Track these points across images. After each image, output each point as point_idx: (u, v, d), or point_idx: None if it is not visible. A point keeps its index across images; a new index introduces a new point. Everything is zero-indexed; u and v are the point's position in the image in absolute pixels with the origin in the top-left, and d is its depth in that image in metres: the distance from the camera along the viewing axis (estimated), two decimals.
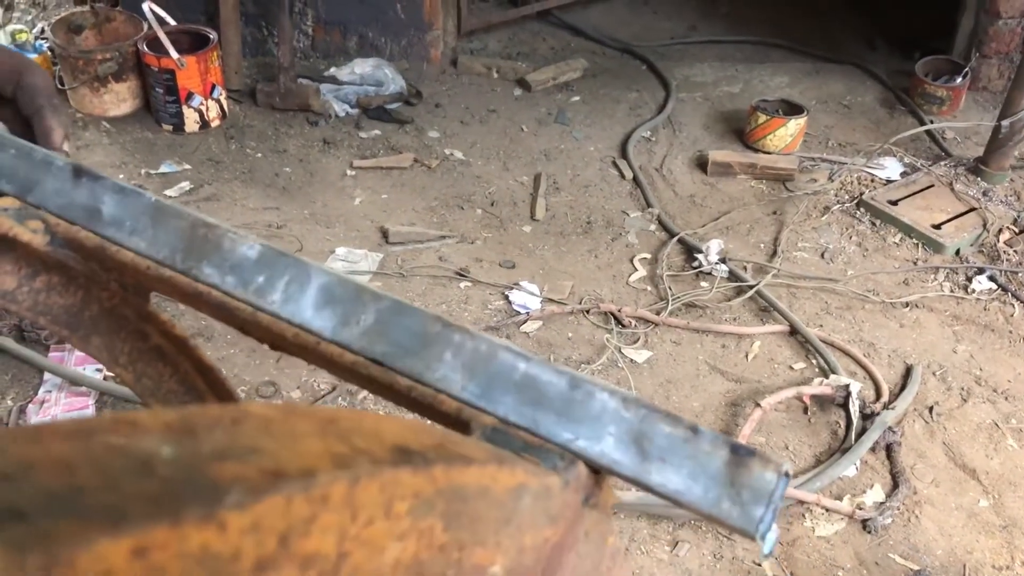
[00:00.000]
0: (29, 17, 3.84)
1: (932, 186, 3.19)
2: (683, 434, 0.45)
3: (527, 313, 2.58)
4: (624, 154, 3.38)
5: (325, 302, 0.52)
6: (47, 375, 2.25)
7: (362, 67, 3.55)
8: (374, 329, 0.51)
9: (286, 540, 0.25)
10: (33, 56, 3.34)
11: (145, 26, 3.24)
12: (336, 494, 0.26)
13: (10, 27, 3.50)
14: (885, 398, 2.36)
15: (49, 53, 3.39)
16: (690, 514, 0.41)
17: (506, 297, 2.65)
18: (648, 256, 2.87)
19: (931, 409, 2.37)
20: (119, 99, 3.29)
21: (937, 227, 2.98)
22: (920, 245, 2.96)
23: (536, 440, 0.45)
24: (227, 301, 0.53)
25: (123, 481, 0.23)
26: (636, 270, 2.81)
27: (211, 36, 3.27)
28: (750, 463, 0.43)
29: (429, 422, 0.44)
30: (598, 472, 0.45)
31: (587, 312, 2.61)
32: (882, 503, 2.11)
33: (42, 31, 3.55)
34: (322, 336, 0.51)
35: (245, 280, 0.54)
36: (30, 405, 2.18)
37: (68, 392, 2.20)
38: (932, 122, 3.57)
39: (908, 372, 2.48)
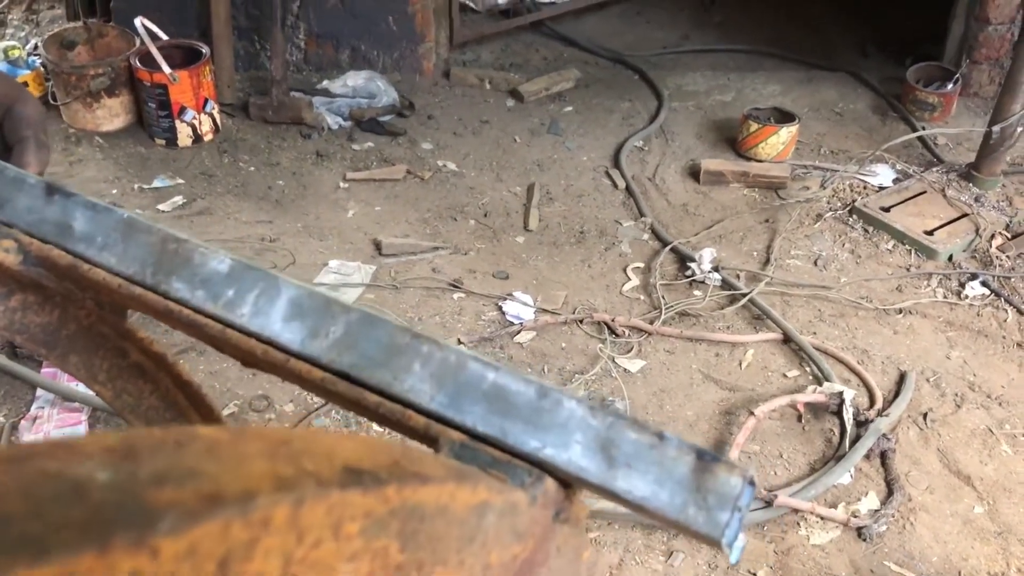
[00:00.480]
0: (22, 33, 3.85)
1: (924, 192, 3.19)
2: (649, 440, 0.45)
3: (521, 324, 2.58)
4: (617, 164, 3.38)
5: (294, 314, 0.52)
6: (40, 391, 2.25)
7: (355, 80, 3.55)
8: (343, 341, 0.51)
9: (225, 565, 0.25)
10: (26, 72, 3.35)
11: (137, 41, 3.25)
12: (278, 517, 0.26)
13: (3, 43, 3.51)
14: (879, 405, 2.36)
15: (42, 69, 3.40)
16: (655, 521, 0.41)
17: (500, 308, 2.65)
18: (641, 265, 2.87)
19: (925, 416, 2.37)
20: (112, 114, 3.30)
21: (930, 233, 2.99)
22: (913, 251, 2.96)
23: (504, 456, 0.45)
24: (197, 318, 0.53)
25: (52, 508, 0.23)
26: (629, 279, 2.81)
27: (203, 50, 3.28)
28: (715, 469, 0.43)
29: (392, 438, 0.44)
30: (569, 486, 0.45)
31: (580, 322, 2.60)
32: (877, 511, 2.10)
33: (35, 47, 3.56)
34: (290, 349, 0.51)
35: (215, 294, 0.54)
36: (23, 421, 2.17)
37: (61, 408, 2.20)
38: (924, 128, 3.57)
39: (902, 379, 2.48)
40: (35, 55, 3.47)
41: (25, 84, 3.33)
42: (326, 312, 0.52)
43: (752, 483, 0.43)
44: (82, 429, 2.16)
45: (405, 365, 0.49)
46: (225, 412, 2.23)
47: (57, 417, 2.18)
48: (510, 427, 0.46)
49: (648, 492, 0.43)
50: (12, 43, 3.49)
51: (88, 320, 0.69)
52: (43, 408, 2.21)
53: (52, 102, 3.32)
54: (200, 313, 0.54)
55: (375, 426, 1.89)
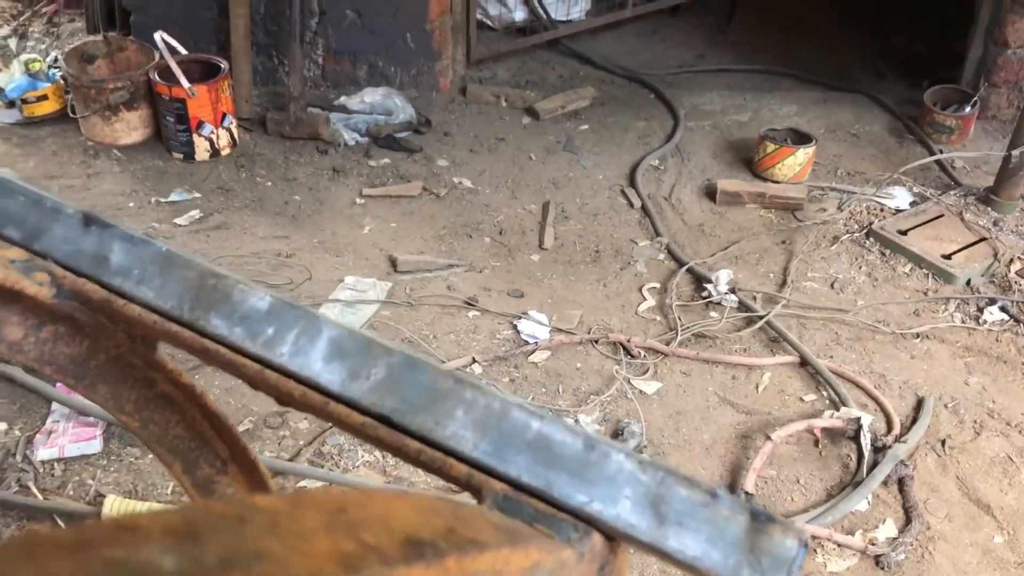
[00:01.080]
0: (43, 46, 3.87)
1: (942, 216, 3.17)
2: (701, 498, 0.44)
3: (536, 343, 2.57)
4: (633, 182, 3.37)
5: (334, 355, 0.51)
6: (55, 405, 2.25)
7: (372, 96, 3.56)
8: (384, 384, 0.50)
9: None
10: (46, 85, 3.37)
11: (157, 55, 3.26)
12: None
13: (24, 56, 3.53)
14: (897, 431, 2.34)
15: (62, 82, 3.42)
16: None
17: (515, 326, 2.64)
18: (657, 286, 2.86)
19: (943, 442, 2.35)
20: (130, 128, 3.31)
21: (947, 257, 2.97)
22: (930, 275, 2.94)
23: (549, 509, 0.44)
24: (235, 356, 0.53)
25: None
26: (645, 300, 2.80)
27: (222, 65, 3.29)
28: (770, 530, 0.42)
29: (438, 494, 0.43)
30: (613, 539, 0.44)
31: (596, 342, 2.59)
32: (895, 538, 2.08)
33: (55, 60, 3.58)
34: (330, 391, 0.51)
35: (254, 331, 0.53)
36: (38, 435, 2.17)
37: (76, 422, 2.20)
38: (941, 151, 3.56)
39: (920, 404, 2.46)
40: (55, 68, 3.49)
41: (45, 97, 3.35)
42: (367, 353, 0.51)
43: (807, 545, 0.42)
44: (96, 444, 2.16)
45: (448, 411, 0.48)
46: (240, 428, 2.22)
47: (72, 431, 2.18)
48: (555, 479, 0.45)
49: (700, 552, 0.42)
50: (33, 56, 3.51)
51: (117, 351, 0.69)
52: (58, 422, 2.21)
53: (71, 115, 3.33)
54: (238, 351, 0.53)
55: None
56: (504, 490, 0.46)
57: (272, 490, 0.85)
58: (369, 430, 0.49)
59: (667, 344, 2.58)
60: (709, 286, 2.80)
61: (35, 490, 2.04)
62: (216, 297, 0.55)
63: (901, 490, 2.20)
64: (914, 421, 2.39)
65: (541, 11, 4.21)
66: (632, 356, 2.54)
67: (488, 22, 4.26)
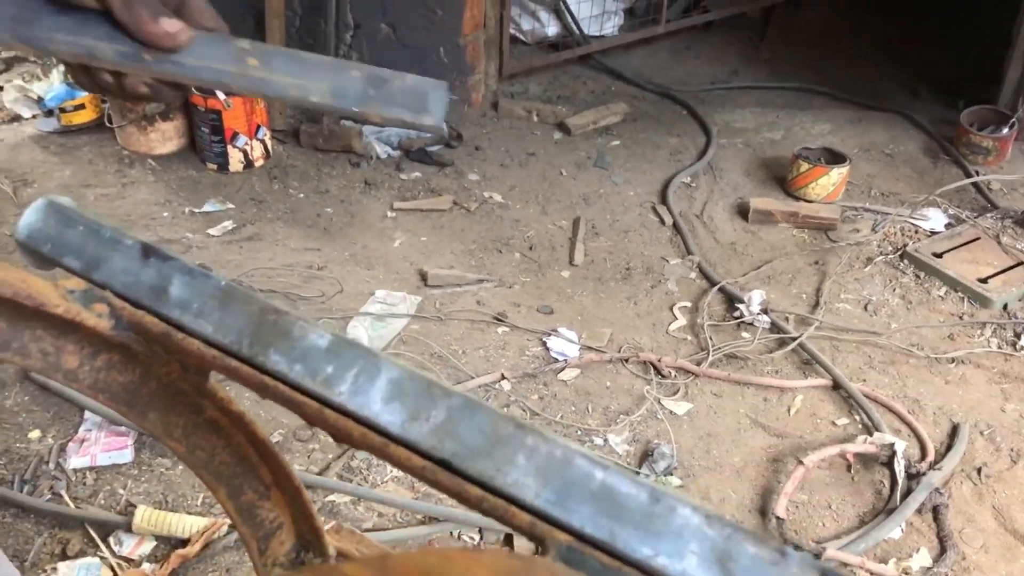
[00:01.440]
0: None
1: (978, 239, 3.14)
2: (770, 556, 0.43)
3: (565, 360, 2.56)
4: (664, 199, 3.36)
5: (394, 395, 0.51)
6: (87, 413, 2.26)
7: None
8: (444, 427, 0.50)
9: None
10: (84, 95, 3.40)
11: None
12: None
13: (63, 65, 3.57)
14: (931, 457, 2.31)
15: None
16: None
17: (544, 343, 2.63)
18: (688, 304, 2.85)
19: (979, 470, 2.31)
20: (165, 138, 3.34)
21: (983, 281, 2.93)
22: (966, 299, 2.90)
23: (614, 563, 0.44)
24: (294, 394, 0.52)
25: None
26: (676, 319, 2.78)
27: None
28: None
29: (508, 552, 0.42)
30: None
31: (626, 361, 2.58)
32: (929, 568, 2.05)
33: None
34: (389, 432, 0.50)
35: (313, 369, 0.53)
36: (70, 443, 2.19)
37: (108, 431, 2.21)
38: (978, 173, 3.52)
39: (955, 431, 2.42)
40: None
41: (82, 106, 3.39)
42: (427, 395, 0.51)
43: None
44: (128, 453, 2.17)
45: (509, 457, 0.48)
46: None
47: (104, 440, 2.19)
48: (620, 531, 0.44)
49: None
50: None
51: (168, 378, 0.69)
52: (90, 431, 2.22)
53: (108, 124, 3.37)
54: (297, 389, 0.53)
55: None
56: (568, 541, 0.45)
57: (314, 516, 0.85)
58: (429, 474, 0.48)
59: (698, 364, 2.56)
60: (741, 306, 2.78)
61: (67, 498, 2.06)
62: (276, 333, 0.54)
63: (936, 519, 2.17)
64: (949, 448, 2.36)
65: (574, 26, 4.22)
66: (662, 376, 2.53)
67: (521, 36, 4.27)
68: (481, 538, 2.05)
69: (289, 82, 0.71)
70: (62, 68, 3.50)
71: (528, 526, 0.46)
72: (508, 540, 2.02)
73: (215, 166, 3.31)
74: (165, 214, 3.08)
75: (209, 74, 0.72)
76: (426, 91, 0.72)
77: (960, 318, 2.84)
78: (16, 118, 3.59)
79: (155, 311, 0.58)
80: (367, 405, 0.51)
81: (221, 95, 3.16)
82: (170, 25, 0.70)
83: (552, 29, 4.25)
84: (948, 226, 3.24)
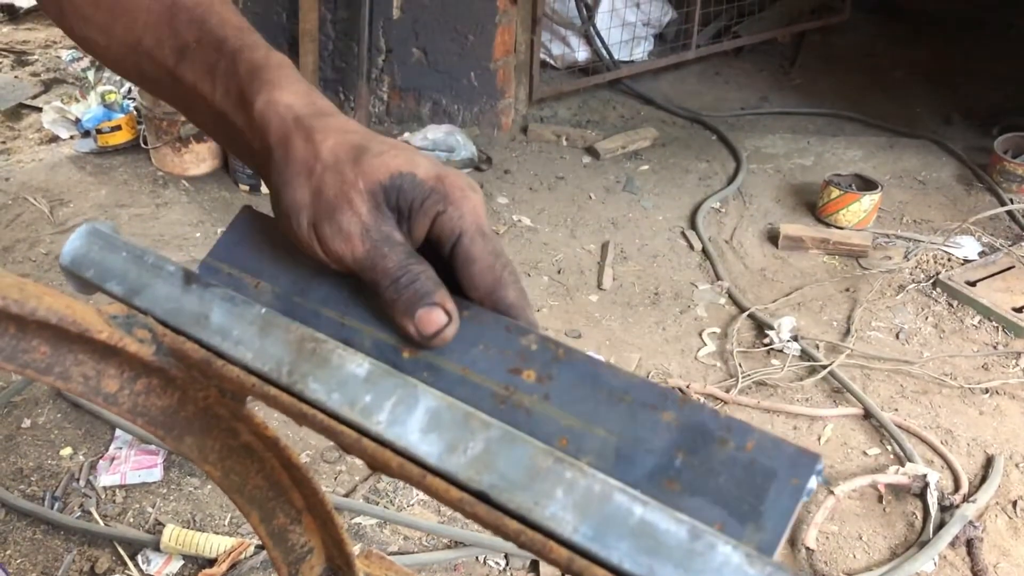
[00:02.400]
0: (118, 78, 3.99)
1: (1012, 267, 3.10)
2: None
3: None
4: (693, 225, 3.35)
5: (432, 426, 0.51)
6: (118, 432, 2.28)
7: (435, 133, 3.60)
8: (482, 459, 0.49)
9: None
10: (120, 116, 3.46)
11: None
12: None
13: (100, 87, 3.64)
14: (965, 490, 2.27)
15: (135, 113, 3.51)
16: None
17: None
18: (717, 331, 2.83)
19: (1015, 504, 2.27)
20: (199, 159, 3.39)
21: (1018, 310, 2.89)
22: (1000, 328, 2.86)
23: None
24: (332, 423, 0.52)
25: None
26: (705, 345, 2.77)
27: None
28: None
29: None
30: None
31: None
32: None
33: (129, 91, 3.68)
34: (427, 463, 0.50)
35: (351, 398, 0.53)
36: (101, 461, 2.21)
37: (138, 450, 2.23)
38: (1012, 201, 3.48)
39: (989, 462, 2.38)
40: (129, 99, 3.59)
41: (119, 128, 3.45)
42: (465, 426, 0.50)
43: None
44: (157, 472, 2.18)
45: (547, 491, 0.47)
46: None
47: (134, 458, 2.21)
48: (659, 568, 0.44)
49: None
50: (109, 88, 3.62)
51: (205, 402, 0.69)
52: (121, 449, 2.24)
53: (143, 145, 3.43)
54: (335, 417, 0.53)
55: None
56: None
57: (345, 541, 0.85)
58: (467, 507, 0.48)
59: (727, 391, 2.54)
60: (771, 333, 2.76)
61: (97, 516, 2.07)
62: (314, 361, 0.55)
63: (969, 552, 2.13)
64: (983, 480, 2.32)
65: (604, 51, 4.24)
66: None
67: (551, 61, 4.29)
68: (507, 564, 2.04)
69: (562, 425, 0.51)
70: (100, 90, 3.57)
71: (566, 562, 0.46)
72: (535, 567, 2.01)
73: (248, 187, 3.34)
74: (198, 235, 3.12)
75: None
76: (773, 474, 0.46)
77: (994, 347, 2.80)
78: (54, 139, 3.65)
79: (196, 338, 0.59)
80: (404, 435, 0.51)
81: None
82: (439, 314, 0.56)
83: (582, 54, 4.27)
84: (982, 254, 3.20)
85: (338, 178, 0.56)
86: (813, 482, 0.45)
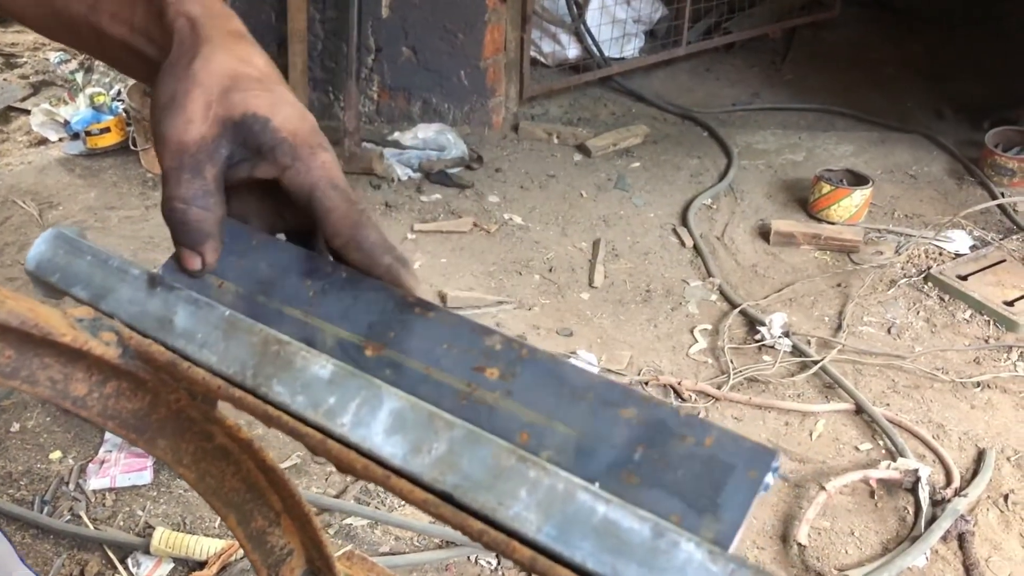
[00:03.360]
0: (107, 79, 3.98)
1: (1004, 261, 3.10)
2: None
3: None
4: (685, 221, 3.35)
5: (396, 427, 0.51)
6: (108, 435, 2.28)
7: (425, 132, 3.59)
8: (446, 459, 0.49)
9: None
10: (109, 118, 3.45)
11: None
12: None
13: (89, 90, 3.63)
14: (956, 484, 2.27)
15: (124, 115, 3.50)
16: None
17: None
18: (709, 327, 2.83)
19: (1006, 497, 2.27)
20: None
21: (1010, 304, 2.89)
22: (992, 322, 2.86)
23: None
24: (297, 425, 0.52)
25: None
26: (696, 341, 2.76)
27: None
28: None
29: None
30: None
31: (646, 384, 2.56)
32: None
33: (119, 93, 3.67)
34: (391, 464, 0.50)
35: (315, 400, 0.53)
36: (90, 464, 2.20)
37: (127, 453, 2.22)
38: (1003, 195, 3.48)
39: (980, 457, 2.38)
40: (118, 101, 3.58)
41: (108, 130, 3.44)
42: (429, 426, 0.50)
43: None
44: (147, 475, 2.18)
45: (511, 491, 0.47)
46: (288, 463, 2.24)
47: (124, 462, 2.20)
48: (623, 567, 0.44)
49: None
50: (98, 89, 3.61)
51: (178, 405, 0.69)
52: (110, 452, 2.24)
53: (132, 147, 3.42)
54: (299, 419, 0.53)
55: None
56: None
57: (324, 543, 0.85)
58: (432, 508, 0.48)
59: (719, 388, 2.54)
60: (762, 329, 2.76)
61: (86, 519, 2.07)
62: (279, 363, 0.54)
63: (961, 546, 2.13)
64: (975, 474, 2.32)
65: (594, 48, 4.23)
66: (683, 399, 2.51)
67: (541, 59, 4.29)
68: (499, 563, 2.04)
69: (524, 420, 0.51)
70: (89, 92, 3.56)
71: (529, 562, 0.45)
72: None
73: None
74: None
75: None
76: (731, 469, 0.46)
77: (986, 341, 2.80)
78: (43, 141, 3.64)
79: (161, 340, 0.58)
80: (369, 437, 0.51)
81: None
82: None
83: (572, 51, 4.27)
84: (973, 248, 3.20)
85: (200, 93, 0.59)
86: (770, 477, 0.45)
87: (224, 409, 0.69)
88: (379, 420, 0.51)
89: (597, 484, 0.46)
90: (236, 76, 0.60)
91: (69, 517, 2.08)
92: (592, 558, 0.44)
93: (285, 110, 0.60)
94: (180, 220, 0.61)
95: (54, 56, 4.40)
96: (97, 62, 4.26)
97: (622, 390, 0.51)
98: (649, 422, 0.49)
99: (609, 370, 2.61)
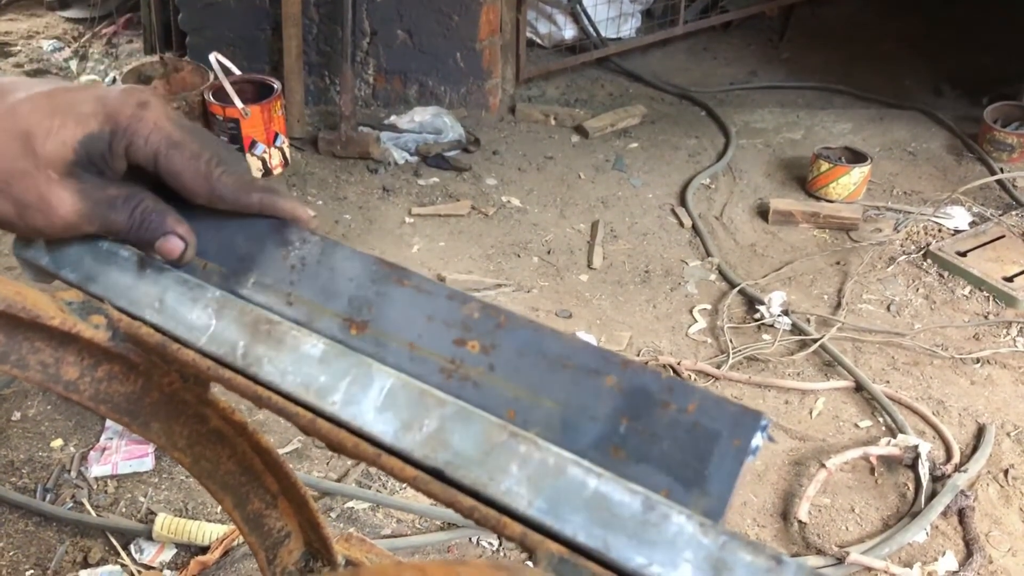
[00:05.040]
0: (102, 67, 3.96)
1: (1003, 236, 3.09)
2: (765, 564, 0.42)
3: None
4: (683, 202, 3.34)
5: (387, 405, 0.51)
6: (108, 422, 2.28)
7: (422, 115, 3.58)
8: (436, 436, 0.49)
9: None
10: None
11: (211, 76, 3.32)
12: None
13: (84, 77, 3.61)
14: (956, 460, 2.27)
15: None
16: None
17: None
18: (708, 307, 2.83)
19: (1006, 472, 2.27)
20: None
21: (1009, 279, 2.89)
22: (991, 298, 2.86)
23: (605, 573, 0.43)
24: (287, 404, 0.52)
25: None
26: (696, 321, 2.76)
27: (275, 86, 3.34)
28: None
29: (495, 561, 0.41)
30: None
31: (645, 365, 2.56)
32: (955, 572, 2.01)
33: (114, 80, 3.65)
34: (382, 442, 0.50)
35: (306, 379, 0.53)
36: (92, 452, 2.20)
37: (128, 440, 2.23)
38: (1002, 170, 3.47)
39: (980, 432, 2.38)
40: None
41: None
42: (420, 404, 0.50)
43: None
44: (148, 461, 2.18)
45: (502, 466, 0.47)
46: (289, 448, 2.24)
47: (125, 449, 2.21)
48: (613, 540, 0.44)
49: None
50: (93, 76, 3.59)
51: (170, 388, 0.68)
52: (112, 439, 2.24)
53: None
54: (290, 399, 0.52)
55: None
56: (560, 551, 0.44)
57: (322, 525, 0.85)
58: (422, 484, 0.48)
59: (718, 367, 2.54)
60: (761, 308, 2.76)
61: (89, 506, 2.07)
62: (269, 343, 0.54)
63: (961, 522, 2.14)
64: (975, 450, 2.32)
65: (591, 29, 4.21)
66: (683, 379, 2.50)
67: (537, 40, 4.26)
68: (500, 544, 2.05)
69: (509, 396, 0.51)
70: (83, 79, 3.54)
71: (520, 536, 0.45)
72: None
73: None
74: None
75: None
76: (717, 436, 0.45)
77: (985, 317, 2.80)
78: None
79: (151, 322, 0.58)
80: (360, 415, 0.51)
81: (239, 103, 3.18)
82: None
83: (569, 32, 4.25)
84: (972, 224, 3.19)
85: (25, 181, 0.56)
86: (759, 440, 0.45)
87: (217, 392, 0.69)
88: (370, 398, 0.51)
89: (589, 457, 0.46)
90: (19, 134, 0.56)
91: (71, 504, 2.08)
92: (583, 531, 0.44)
93: (83, 109, 0.57)
94: (138, 223, 0.59)
95: (47, 44, 4.38)
96: (92, 48, 4.24)
97: (602, 355, 0.51)
98: (631, 389, 0.49)
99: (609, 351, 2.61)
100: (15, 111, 0.56)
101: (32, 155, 0.56)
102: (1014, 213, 3.21)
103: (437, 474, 0.48)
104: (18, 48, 4.47)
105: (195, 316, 0.57)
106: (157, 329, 0.57)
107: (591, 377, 0.49)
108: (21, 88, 0.58)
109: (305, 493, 0.83)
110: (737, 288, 2.86)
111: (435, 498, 0.48)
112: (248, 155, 3.28)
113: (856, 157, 3.37)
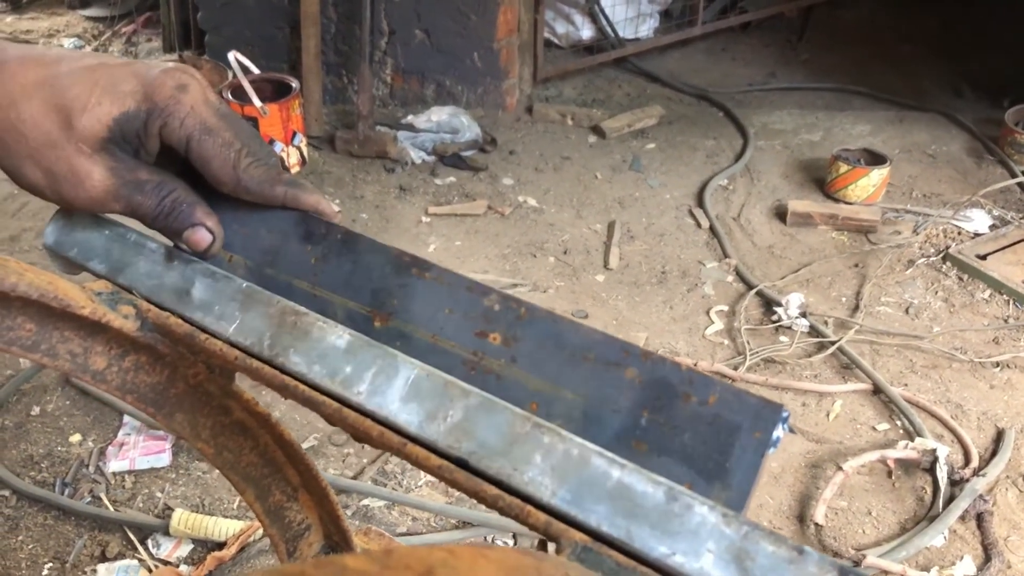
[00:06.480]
0: None
1: (1023, 240, 3.07)
2: (788, 555, 0.42)
3: None
4: (700, 203, 3.34)
5: (412, 395, 0.51)
6: (126, 418, 2.30)
7: (439, 115, 3.59)
8: (461, 426, 0.49)
9: None
10: None
11: (230, 74, 3.34)
12: None
13: None
14: (975, 464, 2.26)
15: None
16: None
17: None
18: (725, 308, 2.82)
19: None
20: None
21: None
22: (1011, 302, 2.84)
23: (629, 562, 0.43)
24: (313, 394, 0.52)
25: None
26: (713, 323, 2.76)
27: (293, 84, 3.35)
28: None
29: (521, 549, 0.42)
30: None
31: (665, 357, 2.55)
32: None
33: None
34: (407, 431, 0.50)
35: (332, 370, 0.53)
36: (110, 447, 2.22)
37: (146, 435, 2.24)
38: (1023, 173, 3.45)
39: (1000, 436, 2.37)
40: None
41: None
42: (444, 394, 0.50)
43: None
44: (166, 457, 2.20)
45: (525, 456, 0.47)
46: (305, 445, 2.25)
47: (143, 444, 2.23)
48: (636, 530, 0.44)
49: None
50: None
51: (196, 379, 0.69)
52: (129, 435, 2.26)
53: None
54: (316, 388, 0.53)
55: None
56: (583, 540, 0.44)
57: (342, 518, 0.85)
58: (446, 473, 0.48)
59: (735, 369, 2.54)
60: (779, 310, 2.75)
61: (106, 501, 2.09)
62: (295, 334, 0.55)
63: (980, 526, 2.12)
64: (994, 454, 2.31)
65: (609, 29, 4.21)
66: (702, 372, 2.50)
67: (555, 40, 4.27)
68: (515, 543, 2.05)
69: (531, 389, 0.51)
70: None
71: (544, 525, 0.46)
72: (542, 545, 2.02)
73: None
74: None
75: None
76: (738, 428, 0.46)
77: (1005, 321, 2.78)
78: None
79: (179, 313, 0.59)
80: (385, 405, 0.51)
81: (257, 102, 3.20)
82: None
83: (587, 32, 4.25)
84: (992, 227, 3.17)
85: (58, 152, 0.58)
86: (779, 431, 0.45)
87: (241, 384, 0.70)
88: (395, 388, 0.51)
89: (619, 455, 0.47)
90: (57, 108, 0.57)
91: (89, 499, 2.10)
92: (607, 521, 0.45)
93: (123, 87, 0.58)
94: (168, 211, 0.60)
95: (68, 42, 4.41)
96: (111, 47, 4.28)
97: (621, 347, 0.51)
98: (651, 382, 0.49)
99: None
100: (57, 82, 0.57)
101: (68, 128, 0.57)
102: None
103: (462, 463, 0.49)
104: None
105: (222, 307, 0.57)
106: (185, 319, 0.58)
107: (612, 369, 0.50)
108: (65, 61, 0.59)
109: (326, 486, 0.84)
110: (755, 290, 2.85)
111: (459, 487, 0.48)
112: None
113: (875, 159, 3.35)
